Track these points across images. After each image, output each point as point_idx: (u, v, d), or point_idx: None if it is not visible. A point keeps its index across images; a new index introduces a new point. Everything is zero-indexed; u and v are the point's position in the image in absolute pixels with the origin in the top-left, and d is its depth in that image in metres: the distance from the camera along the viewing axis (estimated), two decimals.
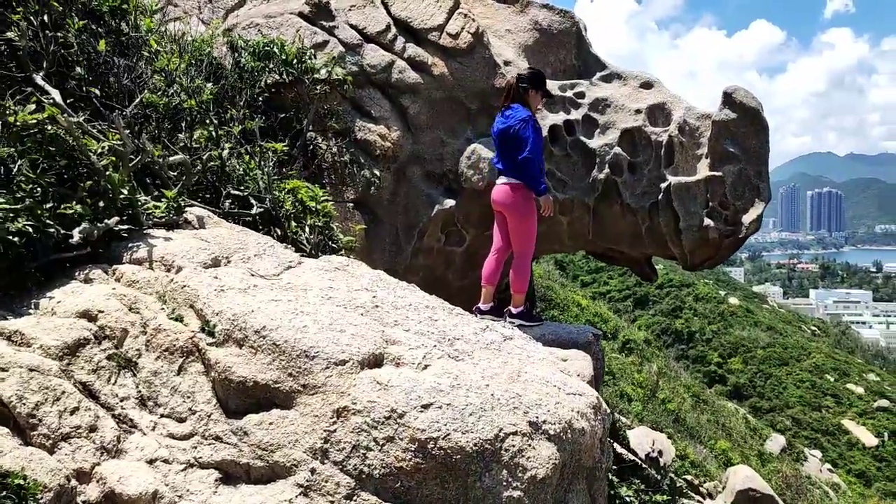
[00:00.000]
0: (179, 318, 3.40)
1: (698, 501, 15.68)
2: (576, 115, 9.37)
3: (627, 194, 9.22)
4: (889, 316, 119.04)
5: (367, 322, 3.42)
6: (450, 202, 9.15)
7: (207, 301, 3.37)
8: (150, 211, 4.24)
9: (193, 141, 5.14)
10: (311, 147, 9.02)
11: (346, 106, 9.00)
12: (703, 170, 8.88)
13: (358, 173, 9.04)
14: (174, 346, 3.26)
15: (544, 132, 9.18)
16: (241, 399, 3.06)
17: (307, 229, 5.33)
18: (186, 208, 4.47)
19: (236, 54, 8.39)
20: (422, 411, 2.87)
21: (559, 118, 9.30)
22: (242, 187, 5.23)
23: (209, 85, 5.58)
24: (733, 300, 50.89)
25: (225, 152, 5.05)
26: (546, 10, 9.94)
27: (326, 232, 5.95)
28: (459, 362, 3.30)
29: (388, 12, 9.16)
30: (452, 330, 3.59)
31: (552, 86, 9.51)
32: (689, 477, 16.89)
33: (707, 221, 8.76)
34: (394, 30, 9.15)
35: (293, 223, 5.27)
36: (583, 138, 9.32)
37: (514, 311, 6.95)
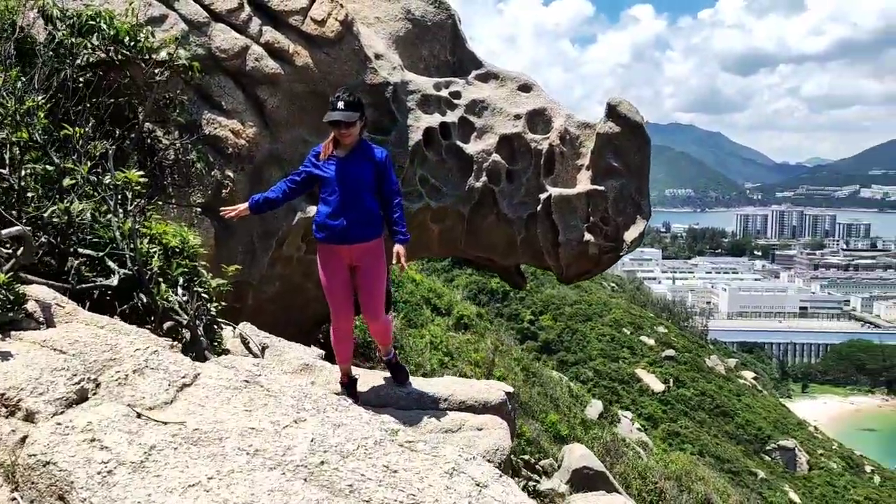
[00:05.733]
0: None
1: (535, 481, 16.06)
2: (451, 116, 8.63)
3: (504, 204, 8.70)
4: (675, 272, 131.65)
5: (317, 499, 2.54)
6: (312, 209, 8.17)
7: (88, 494, 2.32)
8: None
9: (22, 180, 3.81)
10: (149, 142, 7.63)
11: (192, 95, 7.70)
12: (584, 182, 8.55)
13: (206, 174, 7.80)
14: None
15: (419, 134, 8.39)
16: None
17: (180, 291, 4.22)
18: (25, 294, 3.25)
19: (51, 26, 6.84)
20: None
21: (434, 120, 8.52)
22: (94, 239, 4.00)
23: (40, 98, 4.19)
24: None
25: (74, 205, 3.78)
26: None
27: (196, 279, 4.84)
28: None
29: None
30: (420, 488, 2.80)
31: (427, 83, 8.70)
32: (525, 456, 17.22)
33: (587, 236, 8.48)
34: (248, 9, 7.88)
35: (163, 286, 4.14)
36: (459, 143, 8.63)
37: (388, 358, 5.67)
